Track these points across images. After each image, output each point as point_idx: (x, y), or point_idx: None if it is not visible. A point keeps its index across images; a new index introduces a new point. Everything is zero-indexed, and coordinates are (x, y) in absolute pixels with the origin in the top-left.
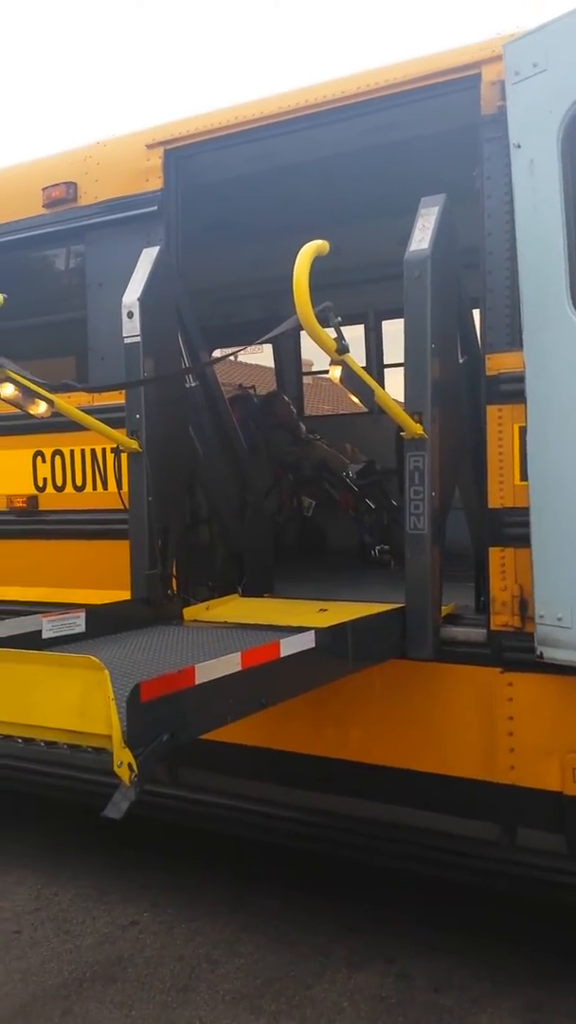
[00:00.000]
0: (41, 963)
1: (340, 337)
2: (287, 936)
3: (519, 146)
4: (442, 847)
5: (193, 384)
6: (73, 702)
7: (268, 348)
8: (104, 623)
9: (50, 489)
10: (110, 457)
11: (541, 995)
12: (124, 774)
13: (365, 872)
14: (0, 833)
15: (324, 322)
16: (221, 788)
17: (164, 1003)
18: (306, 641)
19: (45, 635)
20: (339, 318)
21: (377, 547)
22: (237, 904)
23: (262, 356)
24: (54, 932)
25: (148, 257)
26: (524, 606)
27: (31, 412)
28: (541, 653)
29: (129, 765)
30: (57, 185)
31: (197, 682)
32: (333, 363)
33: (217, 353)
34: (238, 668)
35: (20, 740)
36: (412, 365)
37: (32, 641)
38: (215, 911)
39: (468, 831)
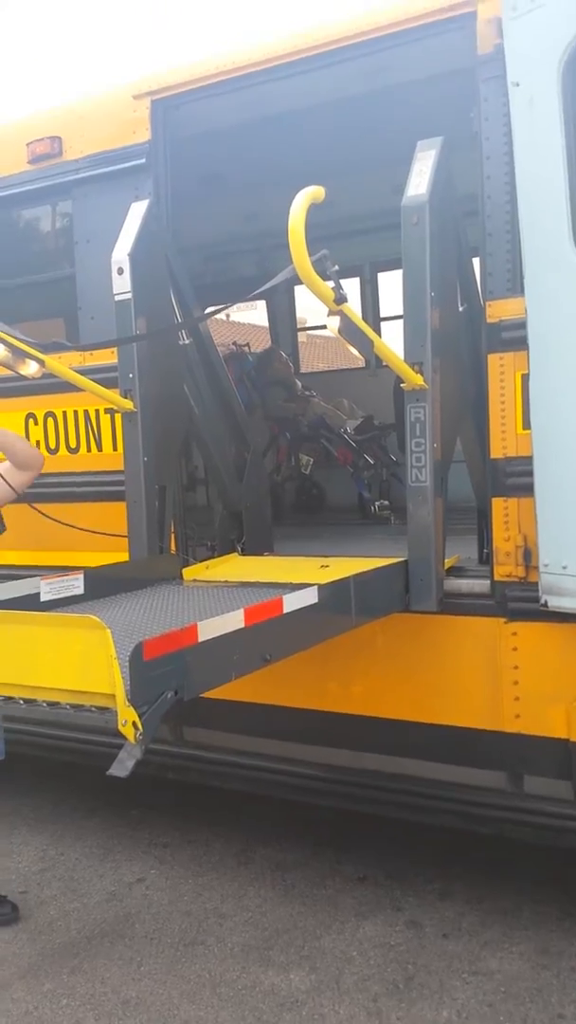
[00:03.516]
0: (48, 922)
1: (338, 287)
2: (295, 888)
3: (517, 84)
4: (449, 797)
5: (187, 341)
6: (74, 662)
7: (262, 306)
8: (103, 584)
9: (43, 452)
10: (104, 418)
11: (551, 938)
12: (129, 732)
13: (372, 824)
14: (5, 796)
15: (321, 271)
16: (226, 746)
17: (173, 957)
18: (309, 597)
19: (43, 598)
20: (336, 267)
21: (377, 503)
22: (244, 859)
23: (255, 314)
24: (61, 891)
25: (137, 212)
26: (528, 556)
27: (21, 373)
28: (546, 602)
29: (134, 723)
30: (41, 140)
31: (200, 639)
32: (331, 314)
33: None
34: (241, 625)
35: (21, 701)
36: (411, 314)
37: (30, 604)
38: (222, 866)
39: (475, 780)
